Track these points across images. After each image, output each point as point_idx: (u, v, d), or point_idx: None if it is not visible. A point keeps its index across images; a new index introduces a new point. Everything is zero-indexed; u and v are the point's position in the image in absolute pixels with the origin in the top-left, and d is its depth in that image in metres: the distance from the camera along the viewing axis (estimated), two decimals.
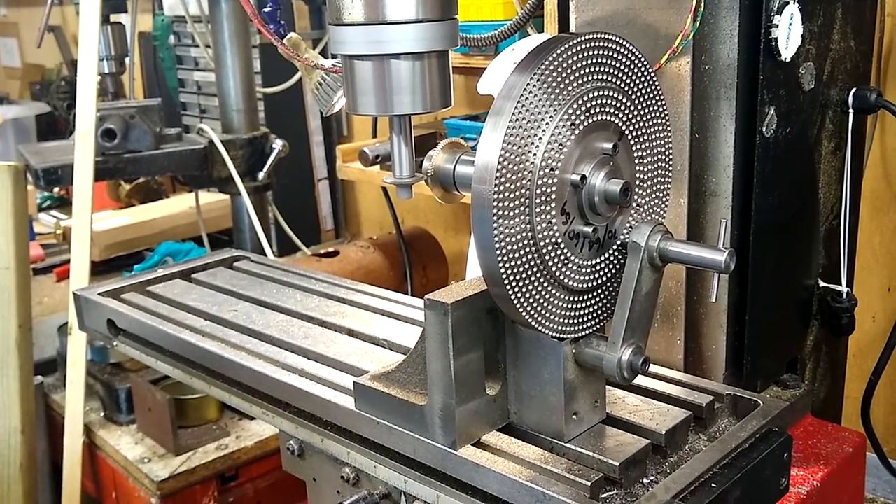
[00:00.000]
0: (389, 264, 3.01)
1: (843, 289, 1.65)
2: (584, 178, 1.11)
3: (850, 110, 1.58)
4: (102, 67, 2.83)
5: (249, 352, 1.53)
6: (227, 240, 3.28)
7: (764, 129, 1.38)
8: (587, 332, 1.20)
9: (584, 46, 1.10)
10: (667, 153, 1.25)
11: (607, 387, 1.28)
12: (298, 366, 1.46)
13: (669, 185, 1.28)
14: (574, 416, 1.21)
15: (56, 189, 4.22)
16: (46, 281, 3.55)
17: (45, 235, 3.88)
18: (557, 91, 1.08)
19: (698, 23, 1.30)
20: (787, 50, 1.38)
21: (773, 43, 1.36)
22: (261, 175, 2.91)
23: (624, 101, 1.16)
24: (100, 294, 1.81)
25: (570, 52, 1.09)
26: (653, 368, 1.31)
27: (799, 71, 1.44)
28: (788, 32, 1.37)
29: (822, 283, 1.65)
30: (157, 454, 2.47)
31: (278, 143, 2.93)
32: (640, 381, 1.33)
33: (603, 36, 1.12)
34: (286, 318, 1.66)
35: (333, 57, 1.73)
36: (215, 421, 2.57)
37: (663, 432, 1.23)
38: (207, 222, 3.40)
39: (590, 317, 1.20)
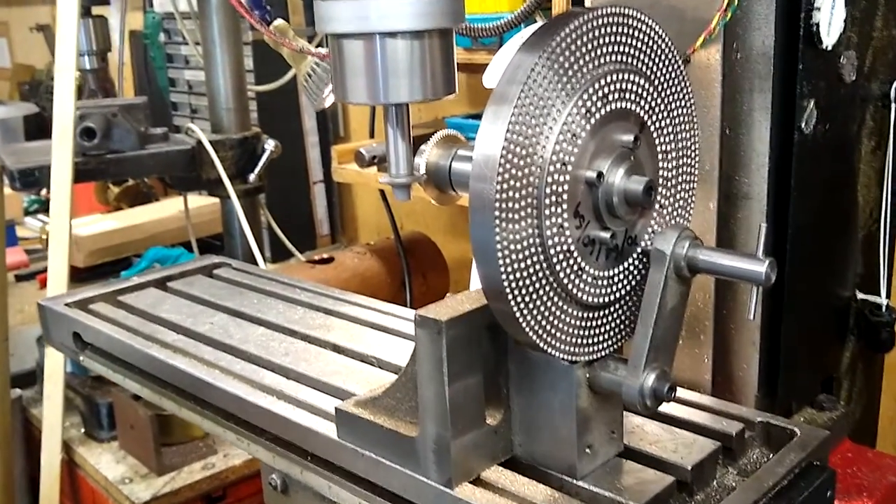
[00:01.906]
0: (387, 271, 2.86)
1: (883, 301, 1.52)
2: (600, 175, 0.96)
3: (893, 105, 1.44)
4: (83, 63, 2.68)
5: (223, 370, 1.38)
6: (219, 245, 3.15)
7: (803, 125, 1.25)
8: (603, 353, 1.06)
9: (600, 22, 0.95)
10: (693, 147, 1.11)
11: (623, 412, 1.13)
12: (276, 386, 1.31)
13: (696, 185, 1.13)
14: (588, 450, 1.06)
15: (43, 192, 4.07)
16: (29, 288, 3.41)
17: (31, 240, 3.73)
18: (570, 73, 0.93)
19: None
20: (829, 37, 1.24)
21: (815, 28, 1.22)
22: (251, 177, 2.77)
23: (646, 86, 1.01)
24: (66, 305, 1.66)
25: (584, 29, 0.93)
26: None
27: (840, 60, 1.31)
28: (830, 17, 1.24)
29: (859, 295, 1.51)
30: (139, 474, 2.36)
31: (270, 144, 2.79)
32: (661, 406, 1.17)
33: (621, 11, 0.97)
34: (266, 332, 1.51)
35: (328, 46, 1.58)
36: (201, 438, 2.45)
37: (689, 467, 1.08)
38: (198, 227, 3.27)
39: (606, 336, 1.05)
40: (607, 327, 1.05)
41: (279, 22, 1.60)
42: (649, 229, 1.06)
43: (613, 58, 0.97)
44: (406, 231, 3.15)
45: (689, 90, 1.08)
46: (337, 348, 1.44)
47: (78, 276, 3.34)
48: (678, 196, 1.10)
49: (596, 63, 0.95)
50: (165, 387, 1.45)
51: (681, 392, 1.26)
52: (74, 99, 2.36)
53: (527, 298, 0.94)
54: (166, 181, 2.93)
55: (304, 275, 2.70)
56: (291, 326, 1.52)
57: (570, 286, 0.98)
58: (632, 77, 0.99)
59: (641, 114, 1.01)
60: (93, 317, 1.63)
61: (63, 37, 2.34)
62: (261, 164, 2.78)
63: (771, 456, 1.18)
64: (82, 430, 2.56)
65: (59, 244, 2.39)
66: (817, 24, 1.22)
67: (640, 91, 1.00)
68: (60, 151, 2.34)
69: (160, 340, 1.51)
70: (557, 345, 0.99)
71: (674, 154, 1.07)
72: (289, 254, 3.31)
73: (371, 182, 2.82)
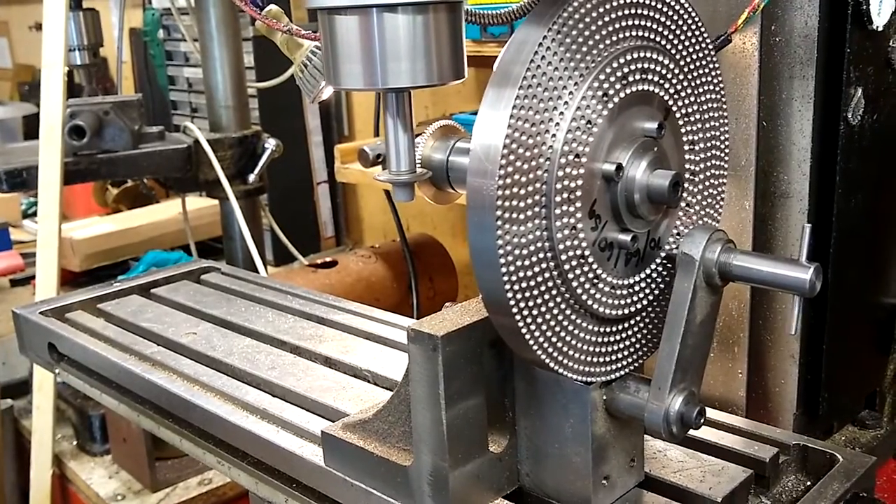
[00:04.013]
0: (393, 275, 2.73)
1: None
2: (620, 168, 0.83)
3: None
4: (73, 58, 2.57)
5: (204, 386, 1.27)
6: (221, 248, 3.04)
7: (849, 115, 1.14)
8: (622, 372, 0.93)
9: None
10: (723, 137, 0.98)
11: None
12: (260, 405, 1.19)
13: (725, 180, 1.00)
14: (604, 482, 0.94)
15: None
16: (24, 293, 3.29)
17: (28, 244, 3.63)
18: (584, 50, 0.81)
19: None
20: (880, 17, 1.13)
21: (864, 7, 1.11)
22: (251, 177, 2.66)
23: (671, 66, 0.88)
24: (41, 313, 1.55)
25: None
26: None
27: (890, 44, 1.20)
28: None
29: None
30: (132, 490, 2.26)
31: (271, 143, 2.68)
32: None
33: None
34: (252, 343, 1.39)
35: None
36: None
37: (719, 499, 0.97)
38: (199, 229, 3.15)
39: (626, 353, 0.93)
40: (627, 343, 0.93)
41: (272, 7, 1.47)
42: (674, 231, 0.94)
43: (634, 33, 0.85)
44: (413, 233, 3.03)
45: (719, 71, 0.95)
46: (328, 361, 1.32)
47: (74, 280, 3.24)
48: (707, 193, 0.98)
49: (614, 39, 0.83)
50: (143, 403, 1.35)
51: (707, 411, 1.14)
52: (64, 96, 2.25)
53: (534, 311, 0.82)
54: (161, 182, 2.82)
55: (306, 279, 2.59)
56: (280, 337, 1.40)
57: (584, 296, 0.85)
58: (655, 55, 0.86)
59: (666, 98, 0.89)
60: (69, 326, 1.53)
61: (50, 30, 2.22)
62: (261, 164, 2.67)
63: (808, 483, 1.08)
64: (74, 443, 2.46)
65: (48, 248, 2.29)
66: (867, 3, 1.11)
67: (664, 72, 0.88)
68: (48, 151, 2.24)
69: (138, 353, 1.40)
70: (570, 363, 0.87)
71: (702, 145, 0.95)
72: (292, 257, 3.20)
73: (376, 182, 2.69)
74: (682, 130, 0.92)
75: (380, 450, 0.98)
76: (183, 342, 1.41)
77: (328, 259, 2.78)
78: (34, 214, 4.05)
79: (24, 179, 2.34)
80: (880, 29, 1.13)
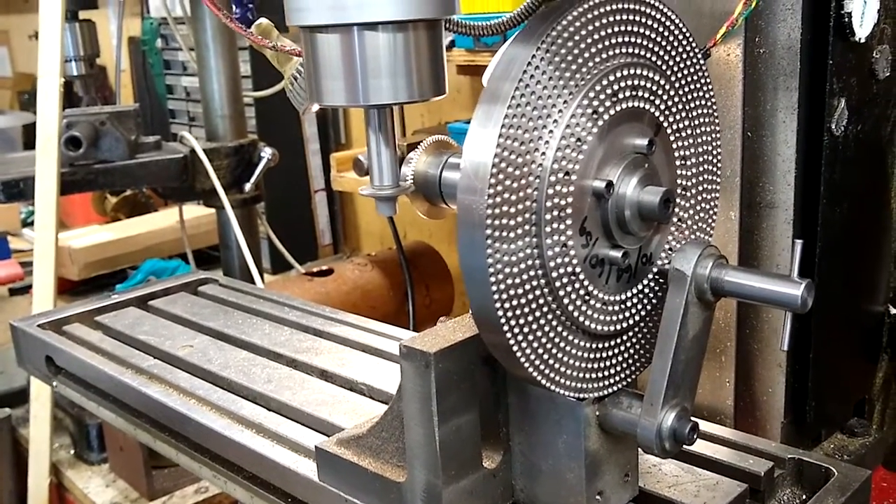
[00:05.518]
0: (389, 284, 2.74)
1: None
2: (610, 185, 0.83)
3: None
4: (70, 69, 2.57)
5: (200, 399, 1.27)
6: (218, 256, 3.04)
7: (833, 126, 1.14)
8: (615, 388, 0.93)
9: (607, 9, 0.83)
10: (715, 152, 0.98)
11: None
12: (256, 419, 1.19)
13: (718, 195, 1.00)
14: (598, 497, 0.94)
15: None
16: (22, 302, 3.30)
17: (27, 252, 3.63)
18: (574, 68, 0.81)
19: None
20: (862, 28, 1.13)
21: (846, 19, 1.11)
22: (247, 186, 2.65)
23: (661, 82, 0.89)
24: (39, 326, 1.55)
25: (589, 16, 0.82)
26: None
27: (873, 55, 1.20)
28: (864, 7, 1.12)
29: (892, 310, 1.40)
30: (129, 498, 2.28)
31: (267, 152, 2.67)
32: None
33: None
34: (249, 356, 1.39)
35: None
36: None
37: None
38: (196, 238, 3.16)
39: (618, 369, 0.93)
40: (619, 359, 0.93)
41: (262, 21, 1.47)
42: (666, 246, 0.94)
43: (623, 49, 0.85)
44: (409, 241, 3.03)
45: (710, 86, 0.96)
46: (325, 374, 1.32)
47: (73, 289, 3.25)
48: (699, 208, 0.98)
49: (603, 56, 0.83)
50: (139, 417, 1.35)
51: (701, 425, 1.14)
52: (60, 106, 2.25)
53: (525, 329, 0.82)
54: (158, 191, 2.82)
55: (302, 288, 2.59)
56: (276, 349, 1.40)
57: (575, 313, 0.85)
58: (645, 72, 0.87)
59: (657, 114, 0.89)
60: (66, 339, 1.53)
61: (46, 41, 2.23)
62: (257, 172, 2.67)
63: (803, 497, 1.07)
64: (72, 452, 2.48)
65: (44, 258, 2.29)
66: (849, 15, 1.11)
67: (654, 88, 0.88)
68: (44, 161, 2.24)
69: (135, 366, 1.40)
70: (562, 380, 0.87)
71: (694, 160, 0.95)
72: (289, 265, 3.20)
73: None
74: (674, 146, 0.92)
75: (374, 465, 0.98)
76: (179, 355, 1.41)
77: (324, 267, 2.79)
78: (33, 223, 4.06)
79: (22, 190, 2.34)
80: (863, 40, 1.13)
